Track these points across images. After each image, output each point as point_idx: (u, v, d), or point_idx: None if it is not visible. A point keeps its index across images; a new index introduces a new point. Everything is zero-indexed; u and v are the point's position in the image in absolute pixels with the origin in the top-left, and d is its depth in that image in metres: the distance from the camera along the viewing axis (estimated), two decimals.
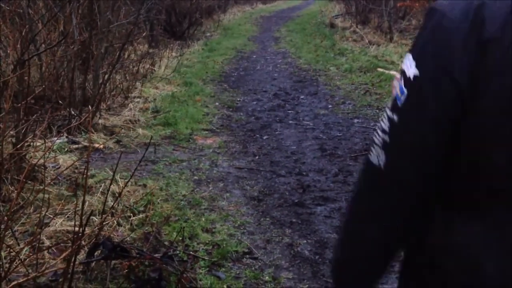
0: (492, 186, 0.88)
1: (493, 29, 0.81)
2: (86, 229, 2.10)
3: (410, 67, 0.89)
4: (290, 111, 6.03)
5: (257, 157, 4.53)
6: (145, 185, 3.64)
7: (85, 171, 1.96)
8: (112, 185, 3.30)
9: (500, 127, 0.83)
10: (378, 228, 0.98)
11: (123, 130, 4.93)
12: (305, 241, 3.09)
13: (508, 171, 0.85)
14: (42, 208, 2.76)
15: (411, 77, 0.88)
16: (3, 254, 2.31)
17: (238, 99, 6.61)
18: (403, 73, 0.90)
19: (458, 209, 0.91)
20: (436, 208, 0.94)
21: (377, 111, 5.92)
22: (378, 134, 0.92)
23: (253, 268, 2.78)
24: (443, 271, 0.94)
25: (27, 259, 2.33)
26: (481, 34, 0.82)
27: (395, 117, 0.89)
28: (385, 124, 0.91)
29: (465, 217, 0.91)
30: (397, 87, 0.90)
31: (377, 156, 0.92)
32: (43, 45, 4.45)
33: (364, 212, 1.00)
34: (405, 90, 0.88)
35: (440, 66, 0.85)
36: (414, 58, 0.89)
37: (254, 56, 10.03)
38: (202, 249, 2.91)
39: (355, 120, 5.72)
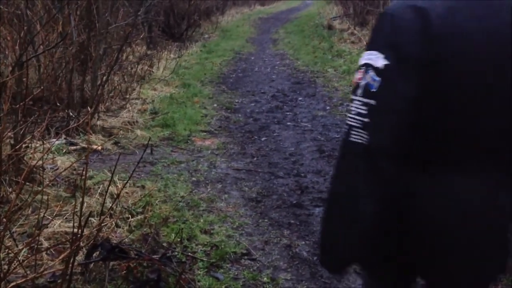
0: (438, 151, 1.18)
1: (439, 27, 1.11)
2: (85, 230, 2.10)
3: (379, 59, 1.14)
4: (288, 113, 6.04)
5: (255, 158, 4.54)
6: (143, 187, 3.64)
7: (84, 172, 1.96)
8: (110, 187, 3.31)
9: (449, 99, 1.14)
10: (374, 193, 1.15)
11: (121, 131, 4.93)
12: (303, 242, 3.10)
13: (449, 138, 1.16)
14: (41, 210, 2.76)
15: (382, 66, 1.13)
16: (1, 255, 2.31)
17: (236, 101, 6.61)
18: (370, 66, 1.14)
19: (418, 168, 1.21)
20: (411, 169, 1.21)
21: None
22: (355, 119, 1.15)
23: (251, 269, 2.78)
24: (409, 213, 1.22)
25: (26, 261, 2.33)
26: (429, 31, 1.11)
27: (371, 101, 1.13)
28: (361, 109, 1.14)
29: (421, 172, 1.20)
30: (367, 77, 1.14)
31: (357, 135, 1.14)
32: (41, 47, 4.45)
33: (356, 186, 1.16)
34: (377, 78, 1.13)
35: (403, 56, 1.12)
36: (380, 52, 1.14)
37: (252, 58, 10.04)
38: (201, 250, 2.91)
39: None
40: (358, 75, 1.18)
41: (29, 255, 2.41)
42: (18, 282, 1.99)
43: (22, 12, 3.96)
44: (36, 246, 2.40)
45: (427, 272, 1.30)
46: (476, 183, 1.20)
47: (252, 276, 2.71)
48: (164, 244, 2.89)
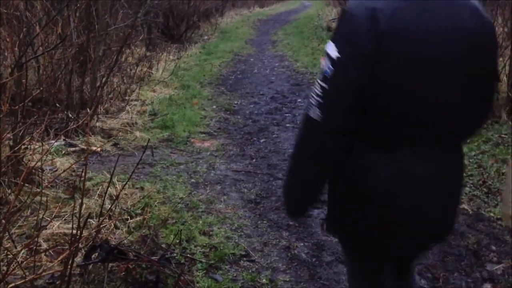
0: (385, 129, 1.38)
1: (384, 26, 1.28)
2: (84, 231, 2.10)
3: (333, 51, 1.33)
4: (287, 114, 6.05)
5: (254, 160, 4.54)
6: (142, 188, 3.64)
7: (83, 173, 1.96)
8: (109, 188, 3.31)
9: (388, 87, 1.32)
10: (319, 161, 1.44)
11: (120, 133, 4.93)
12: (302, 244, 3.10)
13: (393, 119, 1.36)
14: (40, 211, 2.76)
15: (335, 57, 1.32)
16: (0, 256, 2.31)
17: (236, 102, 6.62)
18: (328, 55, 1.33)
19: (367, 142, 1.42)
20: (357, 146, 1.43)
21: None
22: (314, 98, 1.35)
23: (250, 271, 2.79)
24: (367, 177, 1.44)
25: (25, 262, 2.33)
26: (378, 28, 1.29)
27: (326, 85, 1.34)
28: (318, 91, 1.35)
29: (370, 147, 1.42)
30: (325, 65, 1.34)
31: (314, 112, 1.36)
32: (40, 48, 4.46)
33: (308, 152, 1.43)
34: (332, 67, 1.32)
35: (354, 49, 1.31)
36: (336, 45, 1.33)
37: (252, 59, 10.05)
38: (200, 251, 2.92)
39: None
40: (322, 62, 1.37)
41: (28, 257, 2.41)
42: (17, 283, 1.99)
43: (21, 13, 3.97)
44: (35, 247, 2.40)
45: (385, 237, 1.50)
46: (421, 157, 1.42)
47: (251, 277, 2.71)
48: (163, 246, 2.89)
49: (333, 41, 1.35)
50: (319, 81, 1.36)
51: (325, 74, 1.34)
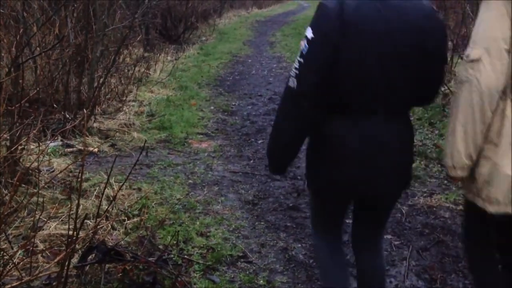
0: (346, 99, 1.74)
1: (347, 16, 1.65)
2: (80, 232, 2.09)
3: (309, 33, 1.70)
4: None
5: (252, 161, 4.53)
6: (139, 189, 3.63)
7: (80, 174, 1.95)
8: (106, 189, 3.30)
9: (348, 65, 1.68)
10: (294, 123, 1.79)
11: (118, 133, 4.92)
12: (299, 245, 3.09)
13: (353, 91, 1.72)
14: (36, 212, 2.75)
15: (310, 38, 1.70)
16: None
17: (233, 103, 6.61)
18: (306, 37, 1.71)
19: (335, 109, 1.76)
20: (326, 114, 1.78)
21: None
22: (293, 71, 1.72)
23: (247, 272, 2.78)
24: (333, 139, 1.79)
25: (21, 263, 2.32)
26: (342, 17, 1.65)
27: (302, 60, 1.70)
28: (296, 65, 1.70)
29: (337, 113, 1.77)
30: (303, 44, 1.71)
31: (292, 82, 1.72)
32: (38, 49, 4.45)
33: (286, 115, 1.80)
34: (306, 45, 1.70)
35: (324, 34, 1.69)
36: (311, 28, 1.71)
37: (250, 61, 10.04)
38: (197, 253, 2.91)
39: None
40: (301, 43, 1.75)
41: (25, 258, 2.40)
42: (13, 284, 1.98)
43: (18, 13, 3.96)
44: (31, 248, 2.39)
45: (348, 185, 1.86)
46: (375, 122, 1.78)
47: (248, 279, 2.71)
48: (160, 247, 2.88)
49: (310, 26, 1.73)
50: (297, 57, 1.73)
51: (302, 51, 1.71)
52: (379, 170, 1.81)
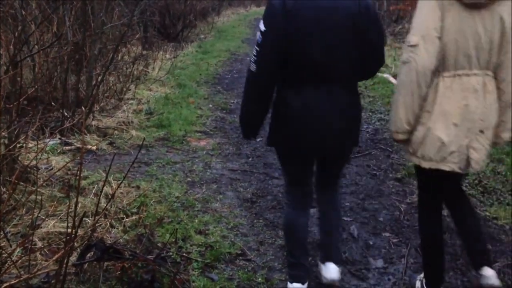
0: (293, 74, 2.20)
1: (289, 7, 2.09)
2: (79, 230, 2.09)
3: (262, 26, 2.13)
4: None
5: (250, 159, 4.54)
6: (138, 187, 3.63)
7: (78, 172, 1.95)
8: (105, 187, 3.30)
9: (296, 35, 2.12)
10: (256, 97, 2.29)
11: (116, 131, 4.92)
12: None
13: (298, 67, 2.17)
14: (35, 210, 2.75)
15: (263, 30, 2.13)
16: None
17: (232, 101, 6.61)
18: (259, 29, 2.14)
19: (286, 84, 2.24)
20: (279, 86, 2.27)
21: (370, 113, 5.94)
22: (252, 57, 2.18)
23: (246, 270, 2.78)
24: (284, 106, 2.25)
25: (19, 261, 2.32)
26: (285, 9, 2.09)
27: (258, 48, 2.14)
28: (254, 52, 2.16)
29: (287, 87, 2.24)
30: (258, 36, 2.15)
31: (252, 67, 2.18)
32: (36, 46, 4.44)
33: (249, 93, 2.29)
34: (261, 36, 2.13)
35: (273, 24, 2.12)
36: (263, 22, 2.13)
37: (248, 59, 10.01)
38: (195, 250, 2.91)
39: None
40: (257, 34, 2.18)
41: (23, 255, 2.40)
42: (12, 282, 1.98)
43: (16, 11, 3.95)
44: (30, 246, 2.39)
45: (298, 143, 2.30)
46: (318, 92, 2.21)
47: (247, 276, 2.71)
48: (159, 245, 2.88)
49: (262, 20, 2.17)
50: (255, 46, 2.17)
51: (258, 41, 2.16)
52: (318, 130, 2.25)
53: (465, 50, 2.15)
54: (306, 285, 2.50)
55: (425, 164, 2.29)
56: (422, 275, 2.68)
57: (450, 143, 2.21)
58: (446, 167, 2.26)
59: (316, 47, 2.13)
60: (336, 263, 2.62)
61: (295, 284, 2.48)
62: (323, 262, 2.63)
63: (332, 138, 2.29)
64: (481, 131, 2.25)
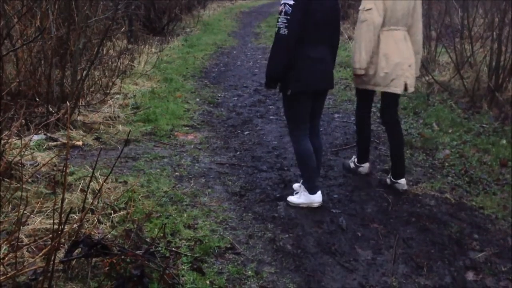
0: (309, 36, 3.24)
1: None
2: (66, 227, 2.07)
3: (291, 1, 3.11)
4: (271, 107, 6.04)
5: (238, 152, 4.53)
6: (126, 182, 3.60)
7: (64, 168, 1.92)
8: (92, 182, 3.27)
9: (314, 10, 3.18)
10: (284, 53, 3.21)
11: (102, 126, 4.87)
12: (287, 236, 3.10)
13: (313, 31, 3.23)
14: (20, 206, 2.71)
15: (291, 4, 3.11)
16: None
17: (219, 95, 6.59)
18: (288, 4, 3.11)
19: (304, 43, 3.23)
20: (300, 42, 3.24)
21: None
22: (282, 23, 3.14)
23: (235, 263, 2.78)
24: (305, 59, 3.26)
25: (6, 258, 2.29)
26: None
27: (288, 17, 3.11)
28: (284, 20, 3.13)
29: (307, 43, 3.24)
30: (285, 8, 3.12)
31: (284, 31, 3.14)
32: (19, 41, 4.36)
33: (278, 51, 3.23)
34: (290, 8, 3.11)
35: (297, 2, 3.11)
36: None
37: (235, 52, 10.00)
38: (184, 245, 2.90)
39: (336, 115, 5.75)
40: (281, 7, 3.14)
41: (9, 253, 2.37)
42: None
43: None
44: (16, 243, 2.36)
45: (306, 80, 3.29)
46: (318, 49, 3.28)
47: (237, 270, 2.71)
48: (148, 240, 2.86)
49: None
50: (283, 16, 3.12)
51: (287, 11, 3.11)
52: (325, 74, 3.39)
53: (396, 15, 3.53)
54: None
55: (377, 89, 3.68)
56: (353, 157, 4.12)
57: (391, 73, 3.56)
58: (391, 90, 3.62)
59: (324, 20, 3.24)
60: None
61: (318, 193, 3.47)
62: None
63: (329, 79, 3.44)
64: (410, 66, 3.61)
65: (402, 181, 3.74)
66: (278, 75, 3.28)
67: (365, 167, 4.03)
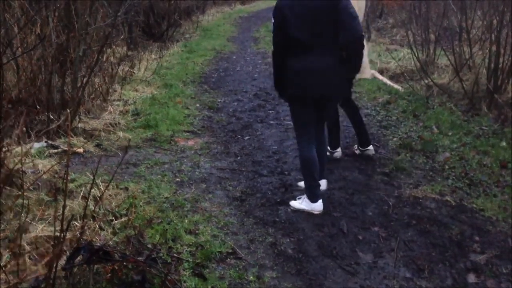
0: (292, 44, 3.32)
1: (284, 4, 3.31)
2: (68, 234, 2.08)
3: (273, 13, 3.34)
4: (270, 111, 6.06)
5: (239, 157, 4.54)
6: (127, 188, 3.61)
7: (65, 175, 1.94)
8: (93, 189, 3.28)
9: (288, 22, 3.26)
10: (278, 62, 3.42)
11: (103, 133, 4.88)
12: (288, 240, 3.11)
13: (294, 40, 3.29)
14: (22, 214, 2.72)
15: (274, 15, 3.33)
16: None
17: (219, 100, 6.61)
18: (273, 15, 3.35)
19: (289, 52, 3.35)
20: (285, 54, 3.39)
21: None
22: (272, 25, 3.39)
23: (237, 268, 2.79)
24: (290, 69, 3.36)
25: (8, 266, 2.30)
26: (281, 5, 3.31)
27: (274, 21, 3.34)
28: (273, 23, 3.35)
29: (290, 55, 3.35)
30: (273, 17, 3.34)
31: (273, 47, 3.43)
32: (20, 49, 4.38)
33: (274, 60, 3.47)
34: (274, 19, 3.34)
35: (277, 12, 3.31)
36: (274, 12, 3.34)
37: (234, 57, 10.03)
38: (186, 250, 2.91)
39: None
40: (273, 19, 3.36)
41: (12, 260, 2.37)
42: (1, 287, 1.96)
43: None
44: (18, 251, 2.37)
45: (300, 89, 3.35)
46: (312, 56, 3.28)
47: (238, 275, 2.71)
48: (149, 246, 2.87)
49: (273, 11, 3.32)
50: (272, 21, 3.35)
51: (272, 30, 3.37)
52: (314, 83, 3.31)
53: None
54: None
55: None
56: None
57: None
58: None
59: (306, 25, 3.24)
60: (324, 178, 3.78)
61: (319, 201, 3.48)
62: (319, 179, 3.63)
63: (322, 87, 3.33)
64: None
65: (370, 147, 4.41)
66: (277, 82, 3.51)
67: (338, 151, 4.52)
